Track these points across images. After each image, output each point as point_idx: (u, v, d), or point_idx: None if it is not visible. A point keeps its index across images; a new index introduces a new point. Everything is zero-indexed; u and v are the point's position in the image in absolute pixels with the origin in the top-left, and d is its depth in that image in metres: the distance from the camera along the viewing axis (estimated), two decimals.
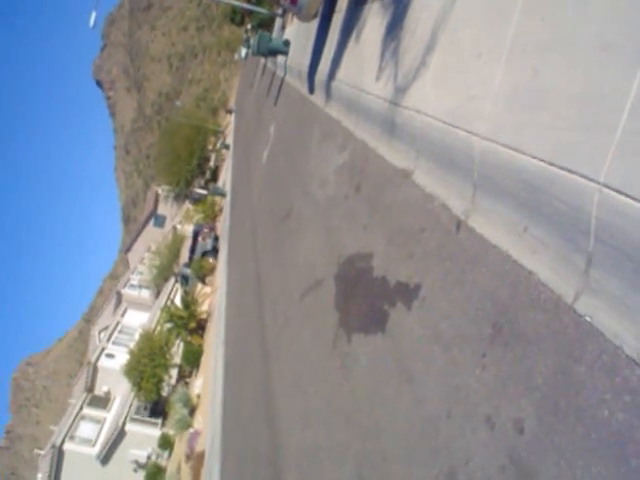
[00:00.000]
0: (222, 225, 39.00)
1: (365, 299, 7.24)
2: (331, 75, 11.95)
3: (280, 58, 24.45)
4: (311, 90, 14.99)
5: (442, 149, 5.74)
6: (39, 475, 36.98)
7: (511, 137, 4.37)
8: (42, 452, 38.89)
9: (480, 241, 4.87)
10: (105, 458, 35.31)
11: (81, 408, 39.69)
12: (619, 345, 3.24)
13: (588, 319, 3.50)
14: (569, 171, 3.61)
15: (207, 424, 21.67)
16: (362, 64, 9.34)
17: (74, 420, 38.39)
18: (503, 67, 4.70)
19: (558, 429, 3.49)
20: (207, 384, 24.58)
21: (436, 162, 6.00)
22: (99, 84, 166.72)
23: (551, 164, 3.80)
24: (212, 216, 46.72)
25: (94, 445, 36.50)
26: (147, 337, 34.84)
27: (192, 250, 41.34)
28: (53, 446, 35.69)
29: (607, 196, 3.28)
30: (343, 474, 6.90)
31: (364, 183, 8.39)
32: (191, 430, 24.75)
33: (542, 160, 3.91)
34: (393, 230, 6.84)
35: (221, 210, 42.32)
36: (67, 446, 36.01)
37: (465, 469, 4.35)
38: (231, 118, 64.60)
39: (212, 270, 36.66)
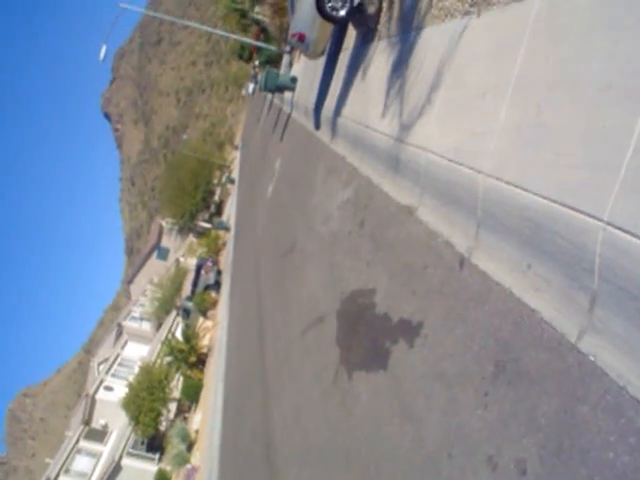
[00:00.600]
0: (225, 259, 39.05)
1: (367, 336, 7.19)
2: (337, 111, 12.05)
3: (287, 94, 24.73)
4: (317, 126, 15.12)
5: (446, 186, 5.75)
6: None
7: (515, 174, 4.37)
8: None
9: (483, 278, 4.84)
10: None
11: (77, 441, 39.18)
12: (623, 385, 3.19)
13: (592, 358, 3.46)
14: (573, 209, 3.60)
15: (205, 460, 21.39)
16: (368, 101, 9.43)
17: (70, 453, 37.88)
18: (507, 105, 4.73)
19: (561, 471, 3.42)
20: (206, 419, 24.33)
21: (440, 199, 6.00)
22: (107, 117, 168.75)
23: (555, 202, 3.79)
24: (215, 250, 46.82)
25: (89, 479, 35.95)
26: (147, 370, 34.59)
27: (194, 283, 41.32)
28: None
29: (611, 234, 3.27)
30: None
31: (368, 219, 8.40)
32: (188, 466, 24.43)
33: (546, 197, 3.90)
34: (396, 266, 6.82)
35: (224, 244, 42.45)
36: None
37: None
38: (237, 153, 65.13)
39: (214, 304, 36.60)
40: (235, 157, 65.91)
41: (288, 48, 29.22)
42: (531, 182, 4.14)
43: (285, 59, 33.21)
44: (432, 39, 7.05)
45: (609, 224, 3.28)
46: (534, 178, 4.13)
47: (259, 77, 26.20)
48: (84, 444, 39.06)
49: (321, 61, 15.91)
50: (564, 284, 3.78)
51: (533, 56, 4.55)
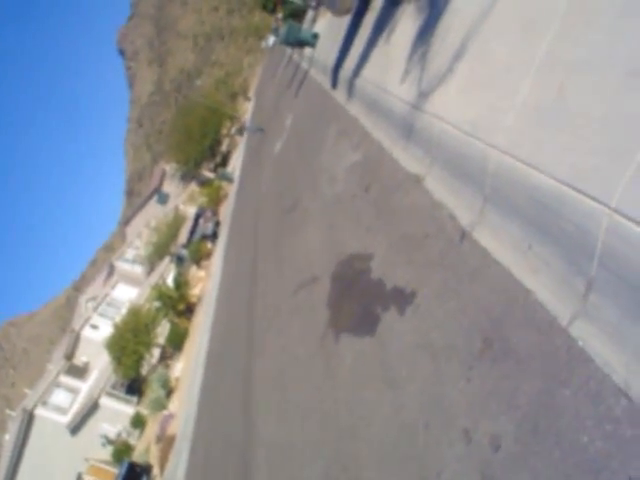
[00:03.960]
0: (225, 211, 38.96)
1: (359, 300, 7.19)
2: (356, 72, 11.90)
3: (307, 50, 24.42)
4: (334, 85, 14.96)
5: (457, 158, 5.69)
6: (6, 436, 36.93)
7: (528, 153, 4.31)
8: (13, 414, 38.75)
9: (482, 254, 4.82)
10: (75, 428, 35.24)
11: (58, 375, 39.57)
12: (608, 373, 3.19)
13: (581, 344, 3.45)
14: (582, 193, 3.56)
15: (182, 408, 21.64)
16: (389, 65, 9.29)
17: (49, 386, 38.28)
18: (530, 82, 4.65)
19: (535, 450, 3.44)
20: (188, 368, 24.54)
21: (449, 171, 5.95)
22: (121, 53, 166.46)
23: (565, 184, 3.74)
24: (216, 201, 46.65)
25: (66, 414, 36.42)
26: (134, 313, 34.77)
27: (191, 232, 41.31)
28: (24, 409, 35.55)
29: (616, 222, 3.23)
30: (312, 472, 6.86)
31: (374, 184, 8.34)
32: (165, 412, 24.72)
33: (556, 179, 3.85)
34: (396, 234, 6.79)
35: (226, 196, 42.27)
36: (39, 411, 35.92)
37: None
38: (249, 105, 64.56)
39: (209, 255, 36.62)
40: (247, 109, 65.33)
41: (314, 3, 28.74)
42: (544, 163, 4.08)
43: (309, 14, 32.69)
44: (462, 7, 6.92)
45: (615, 211, 3.24)
46: (547, 159, 4.07)
47: (281, 30, 25.79)
48: (64, 379, 39.45)
49: (346, 20, 15.67)
50: (563, 268, 3.76)
51: (563, 35, 4.46)
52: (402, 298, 5.93)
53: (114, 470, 27.48)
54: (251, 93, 69.28)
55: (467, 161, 5.40)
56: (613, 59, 3.77)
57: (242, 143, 52.02)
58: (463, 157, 5.51)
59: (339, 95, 13.69)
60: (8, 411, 44.30)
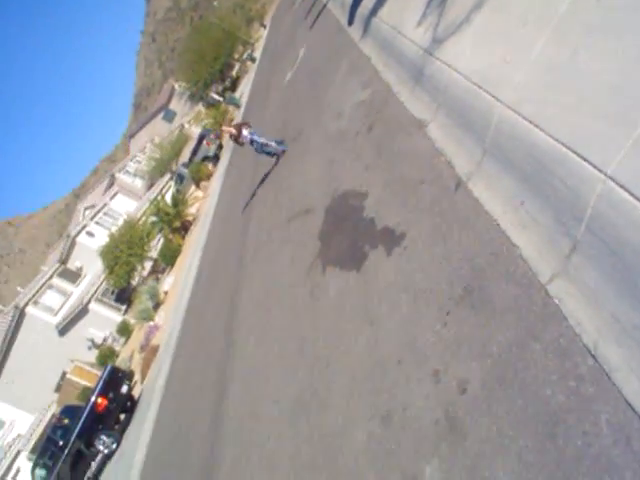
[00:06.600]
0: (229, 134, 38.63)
1: (349, 236, 7.28)
2: (373, 11, 11.66)
3: None
4: (350, 22, 14.66)
5: (463, 108, 5.67)
6: None
7: (533, 111, 4.31)
8: (4, 309, 39.36)
9: (475, 205, 4.88)
10: (63, 330, 35.97)
11: (51, 277, 40.09)
12: (579, 333, 3.30)
13: (557, 302, 3.55)
14: (580, 157, 3.58)
15: (168, 321, 22.00)
16: (407, 7, 9.11)
17: (42, 287, 38.81)
18: (545, 40, 4.60)
19: (499, 397, 3.58)
20: (177, 284, 24.84)
21: (453, 119, 5.94)
22: None
23: (564, 146, 3.76)
24: (222, 124, 46.16)
25: (56, 315, 37.11)
26: (130, 225, 34.99)
27: (194, 152, 40.87)
28: (16, 306, 36.20)
29: (609, 189, 3.27)
30: (285, 394, 7.08)
31: (377, 124, 8.31)
32: (151, 323, 25.12)
33: (557, 140, 3.87)
34: (393, 176, 6.82)
35: (232, 120, 41.77)
36: (29, 309, 36.57)
37: (401, 415, 4.48)
38: (264, 33, 63.19)
39: (208, 177, 36.48)
40: (261, 36, 63.98)
41: None
42: (547, 122, 4.09)
43: None
44: None
45: (610, 178, 3.28)
46: (551, 118, 4.07)
47: None
48: (57, 281, 39.99)
49: None
50: (551, 227, 3.82)
51: None
52: (391, 239, 6.02)
53: (97, 372, 28.11)
54: (267, 20, 67.63)
55: (472, 112, 5.39)
56: (632, 26, 3.75)
57: (253, 69, 51.15)
58: (469, 107, 5.49)
59: (354, 32, 13.45)
60: (0, 306, 44.93)
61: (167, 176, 48.29)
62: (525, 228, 4.13)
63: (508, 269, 4.08)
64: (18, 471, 24.92)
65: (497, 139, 4.81)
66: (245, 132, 14.03)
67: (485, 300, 4.14)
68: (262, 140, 13.86)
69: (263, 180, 15.69)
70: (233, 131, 14.23)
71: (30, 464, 21.00)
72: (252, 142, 13.93)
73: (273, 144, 13.94)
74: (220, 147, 39.04)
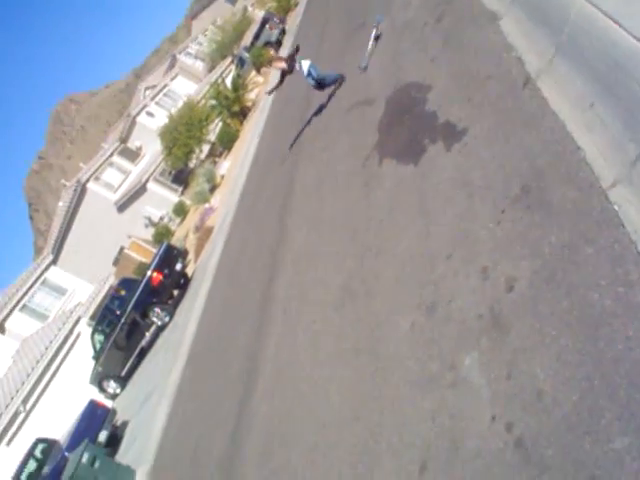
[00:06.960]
0: (293, 21, 37.52)
1: (409, 129, 7.17)
2: None
3: None
4: None
5: (539, 1, 5.38)
6: (60, 203, 38.86)
7: (615, 6, 4.06)
8: (68, 184, 40.54)
9: (542, 104, 4.72)
10: (122, 206, 37.05)
11: (111, 155, 40.88)
12: (635, 240, 3.25)
13: (616, 208, 3.49)
14: None
15: (223, 204, 22.33)
16: None
17: (102, 164, 39.72)
18: None
19: (545, 297, 3.61)
20: (233, 168, 25.00)
21: (528, 13, 5.65)
22: None
23: None
24: (286, 8, 44.75)
25: (115, 191, 38.16)
26: (190, 107, 34.88)
27: (256, 36, 39.91)
28: (78, 181, 37.26)
29: None
30: (333, 281, 7.24)
31: (447, 15, 7.97)
32: (207, 205, 25.52)
33: (638, 39, 3.66)
34: (460, 70, 6.61)
35: (296, 5, 40.41)
36: (91, 185, 37.62)
37: (446, 307, 4.57)
38: None
39: (270, 62, 35.68)
40: None
41: None
42: (629, 19, 3.85)
43: None
44: None
45: None
46: (634, 16, 3.84)
47: None
48: (117, 159, 40.82)
49: None
50: (619, 131, 3.70)
51: None
52: (452, 134, 5.91)
53: (153, 249, 29.01)
54: None
55: (549, 6, 5.10)
56: None
57: None
58: (545, 1, 5.20)
59: None
60: (63, 181, 46.28)
61: (228, 59, 47.54)
62: (592, 131, 4.00)
63: (569, 172, 3.99)
64: (79, 335, 26.37)
65: (573, 36, 4.57)
66: (298, 67, 12.17)
67: (542, 201, 4.08)
68: (319, 73, 11.97)
69: (325, 64, 15.34)
70: (284, 66, 12.73)
71: (89, 330, 22.17)
72: (309, 74, 11.99)
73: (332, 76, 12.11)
74: (283, 32, 38.08)
